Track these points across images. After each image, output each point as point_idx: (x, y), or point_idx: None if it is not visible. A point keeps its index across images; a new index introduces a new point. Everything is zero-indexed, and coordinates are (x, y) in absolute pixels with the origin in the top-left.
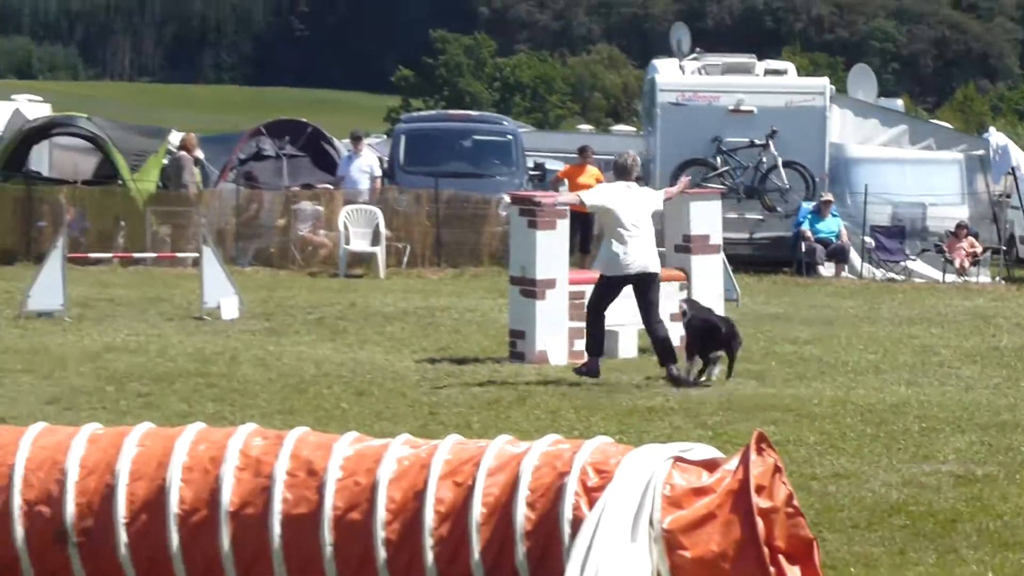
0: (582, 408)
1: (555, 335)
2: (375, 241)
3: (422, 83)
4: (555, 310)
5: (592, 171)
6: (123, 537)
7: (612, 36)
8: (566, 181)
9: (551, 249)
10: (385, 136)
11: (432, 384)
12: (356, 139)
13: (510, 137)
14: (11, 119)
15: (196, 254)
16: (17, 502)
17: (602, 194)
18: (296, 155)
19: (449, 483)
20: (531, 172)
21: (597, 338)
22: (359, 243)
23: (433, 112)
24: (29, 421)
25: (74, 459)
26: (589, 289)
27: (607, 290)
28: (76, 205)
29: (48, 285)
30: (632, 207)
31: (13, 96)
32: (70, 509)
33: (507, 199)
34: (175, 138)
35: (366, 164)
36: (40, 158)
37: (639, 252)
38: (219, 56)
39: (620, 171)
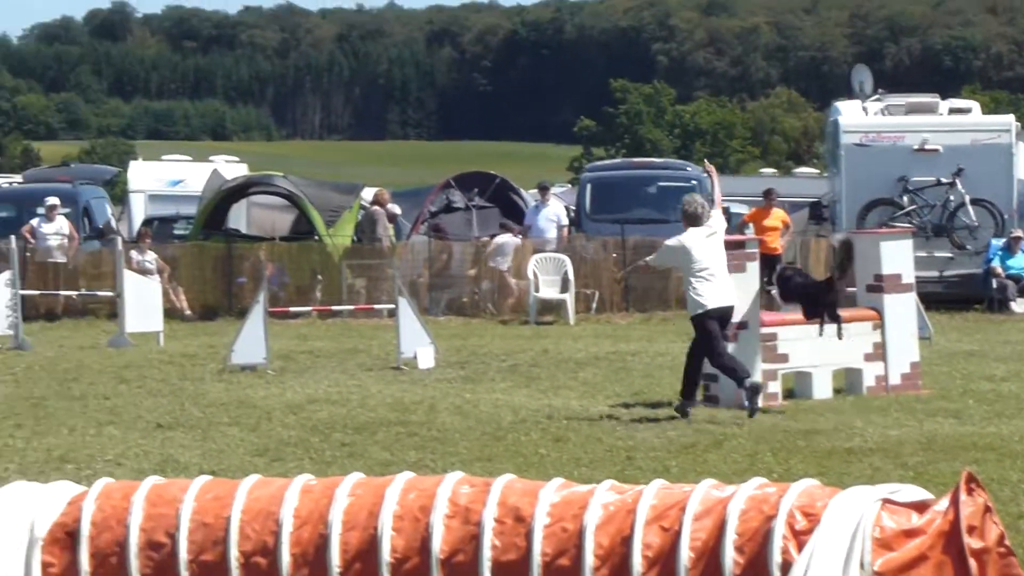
0: (780, 451)
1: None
2: (564, 288)
3: (603, 132)
4: (747, 352)
5: (778, 213)
6: None
7: (790, 79)
8: (751, 224)
9: (741, 292)
10: (569, 185)
11: (627, 429)
12: (543, 189)
13: (694, 182)
14: (210, 179)
15: (391, 305)
16: (234, 553)
17: (668, 252)
18: (485, 206)
19: (656, 528)
20: None
21: (694, 380)
22: (548, 290)
23: (617, 160)
24: (238, 473)
25: (288, 510)
26: (781, 331)
27: (704, 330)
28: (275, 261)
29: (251, 339)
30: (707, 250)
31: (211, 157)
32: (285, 560)
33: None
34: (368, 193)
35: (553, 213)
36: (238, 216)
37: (719, 291)
38: (405, 113)
39: (691, 219)
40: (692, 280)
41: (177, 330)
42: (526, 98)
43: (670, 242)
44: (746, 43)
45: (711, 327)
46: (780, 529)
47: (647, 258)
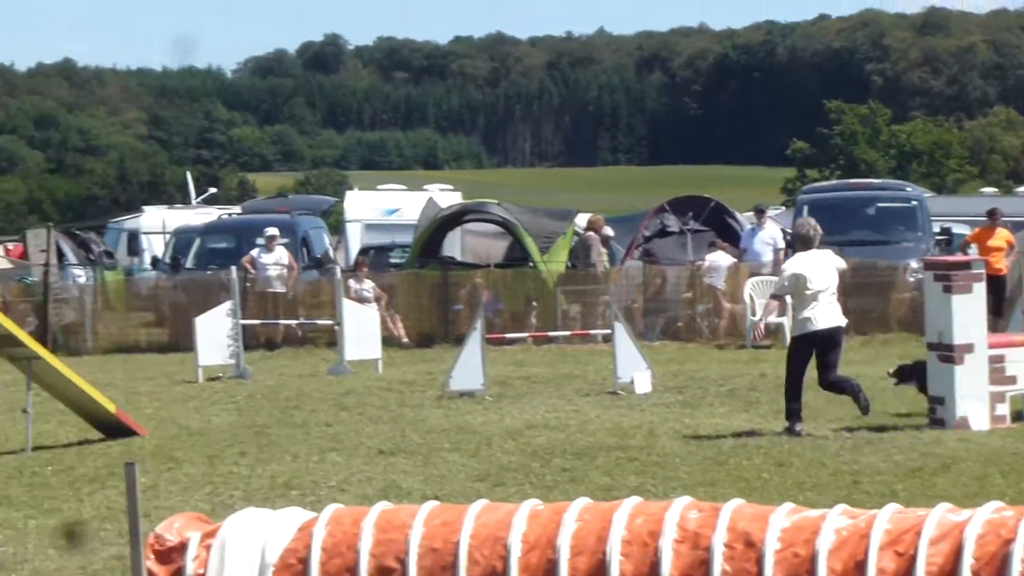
0: (1010, 473)
1: (975, 400)
2: (781, 312)
3: (817, 154)
4: (974, 374)
5: (1002, 233)
6: None
7: (1009, 98)
8: (975, 245)
9: (968, 313)
10: (783, 208)
11: (852, 453)
12: (759, 212)
13: (915, 203)
14: (426, 208)
15: (607, 331)
16: None
17: (787, 278)
18: (700, 230)
19: (890, 553)
20: (938, 237)
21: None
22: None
23: (834, 182)
24: (460, 498)
25: (516, 535)
26: (1009, 352)
27: (801, 351)
28: (490, 288)
29: (468, 366)
30: (820, 273)
31: (425, 186)
32: None
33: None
34: (581, 219)
35: (769, 236)
36: (453, 244)
37: (827, 312)
38: (615, 138)
39: (804, 241)
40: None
41: (395, 357)
42: (737, 121)
43: (789, 265)
44: (962, 62)
45: (806, 348)
46: (1019, 553)
47: (773, 294)
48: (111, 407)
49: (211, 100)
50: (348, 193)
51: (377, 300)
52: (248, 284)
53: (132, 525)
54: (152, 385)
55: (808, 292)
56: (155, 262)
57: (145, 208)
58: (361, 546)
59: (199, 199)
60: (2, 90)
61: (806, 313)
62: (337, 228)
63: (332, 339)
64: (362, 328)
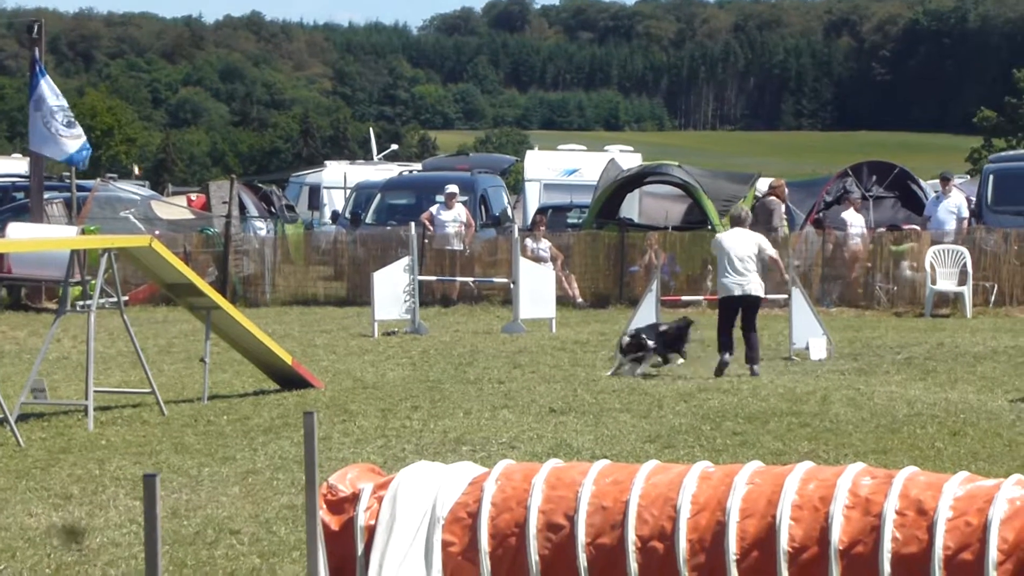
0: None
1: None
2: (962, 281)
3: (1004, 123)
4: None
5: None
6: (734, 573)
7: None
8: None
9: None
10: (969, 176)
11: None
12: (945, 180)
13: None
14: (606, 169)
15: (783, 296)
16: (631, 538)
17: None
18: (883, 196)
19: None
20: None
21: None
22: (945, 283)
23: (1021, 151)
24: (630, 459)
25: (686, 496)
26: None
27: (722, 311)
28: (666, 250)
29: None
30: (739, 248)
31: (606, 147)
32: (682, 545)
33: None
34: (763, 184)
35: (954, 204)
36: (631, 205)
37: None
38: (800, 103)
39: (733, 221)
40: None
41: (569, 317)
42: (925, 88)
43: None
44: None
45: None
46: None
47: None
48: (288, 358)
49: (396, 57)
50: (528, 152)
51: (553, 260)
52: (426, 240)
53: (308, 474)
54: (328, 338)
55: (726, 262)
56: (335, 216)
57: (327, 163)
58: (531, 502)
59: (380, 155)
60: (189, 42)
61: (722, 280)
62: (516, 187)
63: (507, 297)
64: (537, 287)
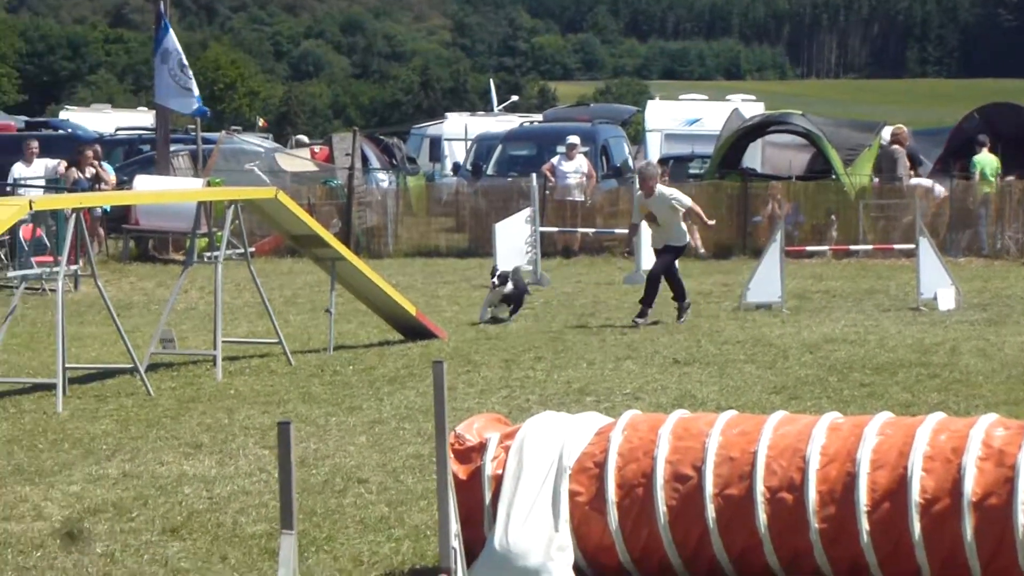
0: None
1: None
2: None
3: None
4: None
5: None
6: (865, 525)
7: None
8: None
9: None
10: None
11: None
12: None
13: None
14: (729, 119)
15: (910, 245)
16: (760, 489)
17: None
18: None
19: None
20: None
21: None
22: None
23: None
24: (756, 410)
25: (815, 447)
26: None
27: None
28: (790, 200)
29: (766, 278)
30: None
31: (728, 96)
32: (812, 496)
33: None
34: (887, 132)
35: None
36: (753, 155)
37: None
38: (924, 50)
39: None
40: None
41: (691, 268)
42: None
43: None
44: None
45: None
46: None
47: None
48: (411, 309)
49: (515, 7)
50: (649, 103)
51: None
52: (547, 191)
53: (438, 423)
54: (451, 289)
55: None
56: (456, 168)
57: (448, 115)
58: (658, 452)
59: (501, 106)
60: None
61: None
62: (637, 137)
63: (629, 248)
64: None
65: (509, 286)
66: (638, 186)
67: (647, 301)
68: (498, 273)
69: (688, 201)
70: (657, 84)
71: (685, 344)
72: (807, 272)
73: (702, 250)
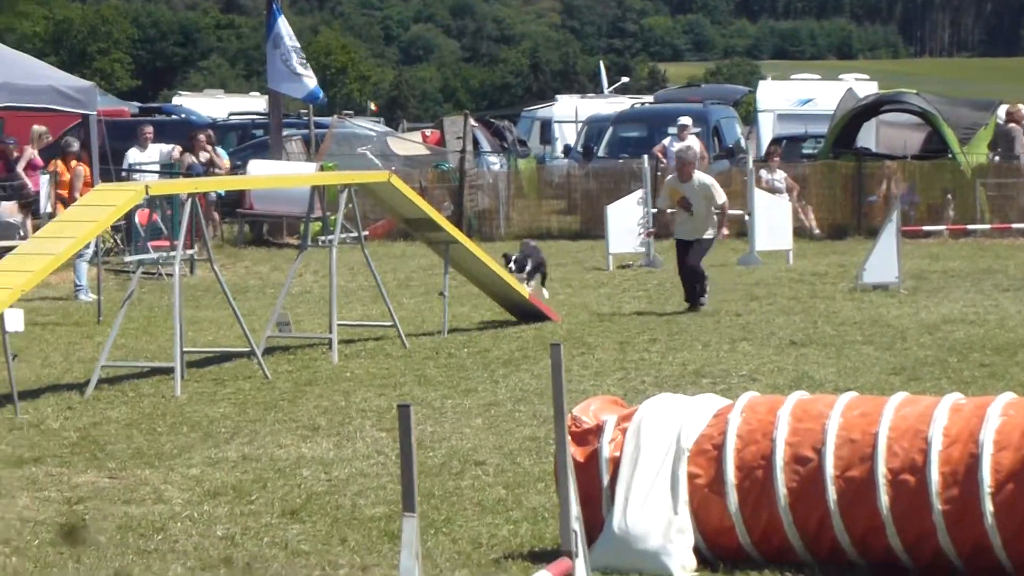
0: None
1: None
2: None
3: None
4: None
5: None
6: (989, 506)
7: None
8: None
9: None
10: None
11: None
12: None
13: None
14: (843, 98)
15: None
16: (881, 471)
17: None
18: None
19: None
20: None
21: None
22: None
23: None
24: (874, 391)
25: (937, 428)
26: None
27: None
28: (905, 179)
29: (882, 258)
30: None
31: (841, 76)
32: (934, 478)
33: None
34: (1001, 111)
35: None
36: (867, 135)
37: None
38: None
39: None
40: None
41: (806, 248)
42: None
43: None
44: None
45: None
46: None
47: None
48: (524, 292)
49: None
50: (761, 83)
51: (789, 191)
52: (659, 173)
53: (557, 405)
54: (563, 271)
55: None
56: (567, 150)
57: (558, 97)
58: (777, 434)
59: (611, 88)
60: None
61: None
62: (748, 118)
63: (742, 229)
64: (773, 218)
65: (528, 264)
66: (675, 169)
67: (697, 292)
68: (513, 259)
69: (724, 199)
70: (768, 64)
71: (801, 325)
72: (924, 252)
73: (816, 230)
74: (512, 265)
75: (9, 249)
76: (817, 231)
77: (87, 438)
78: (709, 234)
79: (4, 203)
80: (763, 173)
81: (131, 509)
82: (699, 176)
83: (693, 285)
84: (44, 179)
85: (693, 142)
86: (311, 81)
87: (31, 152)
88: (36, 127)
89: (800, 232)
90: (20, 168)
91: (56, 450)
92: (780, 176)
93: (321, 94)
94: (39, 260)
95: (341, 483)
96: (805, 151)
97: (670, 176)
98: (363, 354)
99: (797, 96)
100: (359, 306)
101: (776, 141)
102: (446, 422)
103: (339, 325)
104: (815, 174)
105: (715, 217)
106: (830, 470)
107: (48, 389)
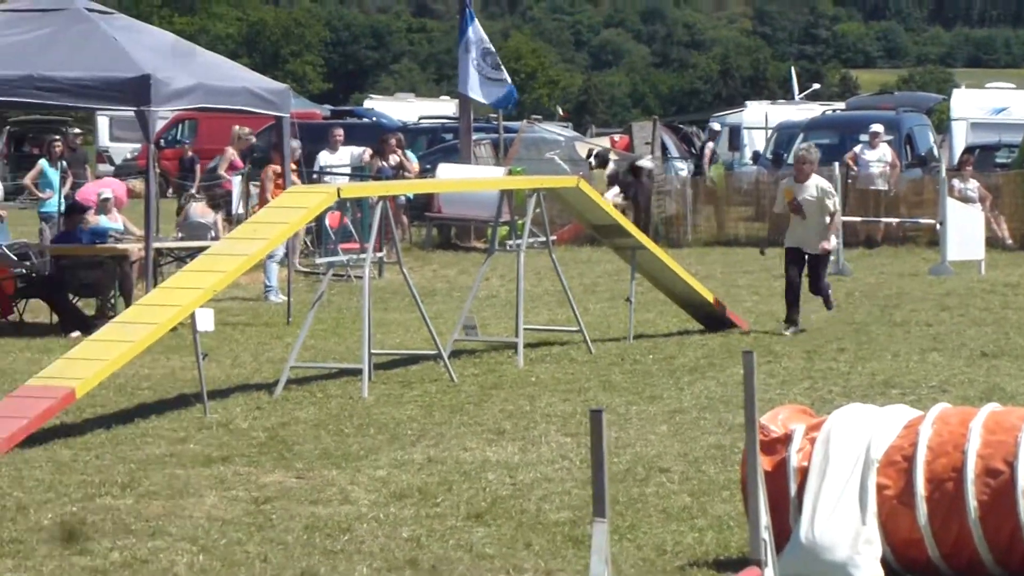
0: None
1: None
2: None
3: None
4: None
5: None
6: None
7: None
8: None
9: None
10: None
11: None
12: None
13: None
14: None
15: None
16: None
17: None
18: None
19: None
20: None
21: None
22: None
23: None
24: None
25: None
26: None
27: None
28: None
29: None
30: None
31: None
32: None
33: None
34: None
35: None
36: None
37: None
38: None
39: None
40: None
41: (998, 259)
42: None
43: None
44: None
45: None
46: None
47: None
48: (710, 298)
49: None
50: (955, 91)
51: (981, 200)
52: (850, 180)
53: (748, 413)
54: (751, 279)
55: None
56: (756, 157)
57: (747, 103)
58: (968, 447)
59: (802, 95)
60: None
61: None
62: (941, 126)
63: (933, 238)
64: (965, 228)
65: None
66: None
67: (794, 314)
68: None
69: (837, 206)
70: (962, 72)
71: (993, 336)
72: None
73: (1009, 240)
74: None
75: (201, 249)
76: (1010, 241)
77: (275, 438)
78: (826, 246)
79: (195, 204)
80: (955, 182)
81: (318, 509)
82: (816, 179)
83: (798, 302)
84: (236, 180)
85: (885, 150)
86: (504, 85)
87: (231, 153)
88: (237, 128)
89: (992, 242)
90: (222, 170)
91: (244, 450)
92: (973, 185)
93: (516, 95)
94: (231, 261)
95: (526, 487)
96: (999, 160)
97: (785, 179)
98: (548, 359)
99: (991, 105)
100: (545, 311)
101: (969, 150)
102: (631, 428)
103: (525, 329)
104: (1008, 184)
105: (827, 225)
106: (1021, 484)
107: (237, 389)
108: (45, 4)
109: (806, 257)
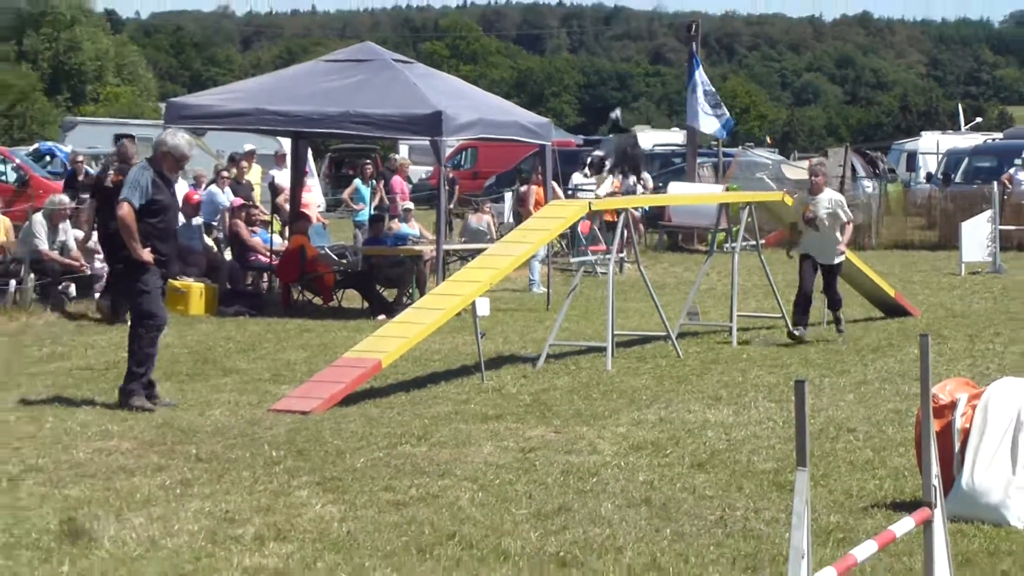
0: None
1: None
2: None
3: None
4: None
5: None
6: None
7: None
8: None
9: None
10: None
11: None
12: None
13: None
14: None
15: None
16: None
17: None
18: None
19: None
20: None
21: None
22: None
23: None
24: None
25: None
26: None
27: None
28: None
29: None
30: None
31: None
32: None
33: None
34: None
35: None
36: None
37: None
38: None
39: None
40: None
41: None
42: None
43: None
44: None
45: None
46: None
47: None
48: (891, 291)
49: (980, 46)
50: None
51: None
52: (1006, 196)
53: (923, 386)
54: (923, 276)
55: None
56: (929, 177)
57: (922, 133)
58: None
59: (967, 126)
60: (811, 35)
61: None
62: None
63: None
64: None
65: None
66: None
67: (803, 316)
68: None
69: (850, 215)
70: None
71: None
72: None
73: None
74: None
75: (480, 250)
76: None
77: (537, 401)
78: (839, 259)
79: (474, 214)
80: None
81: (571, 458)
82: (829, 192)
83: (808, 309)
84: (507, 195)
85: None
86: (723, 118)
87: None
88: None
89: None
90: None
91: (513, 409)
92: None
93: (733, 124)
94: (503, 260)
95: (738, 443)
96: None
97: (798, 194)
98: (757, 340)
99: None
100: (753, 301)
101: None
102: (824, 396)
103: (738, 316)
104: None
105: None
106: None
107: (507, 360)
108: (359, 56)
109: (820, 266)
